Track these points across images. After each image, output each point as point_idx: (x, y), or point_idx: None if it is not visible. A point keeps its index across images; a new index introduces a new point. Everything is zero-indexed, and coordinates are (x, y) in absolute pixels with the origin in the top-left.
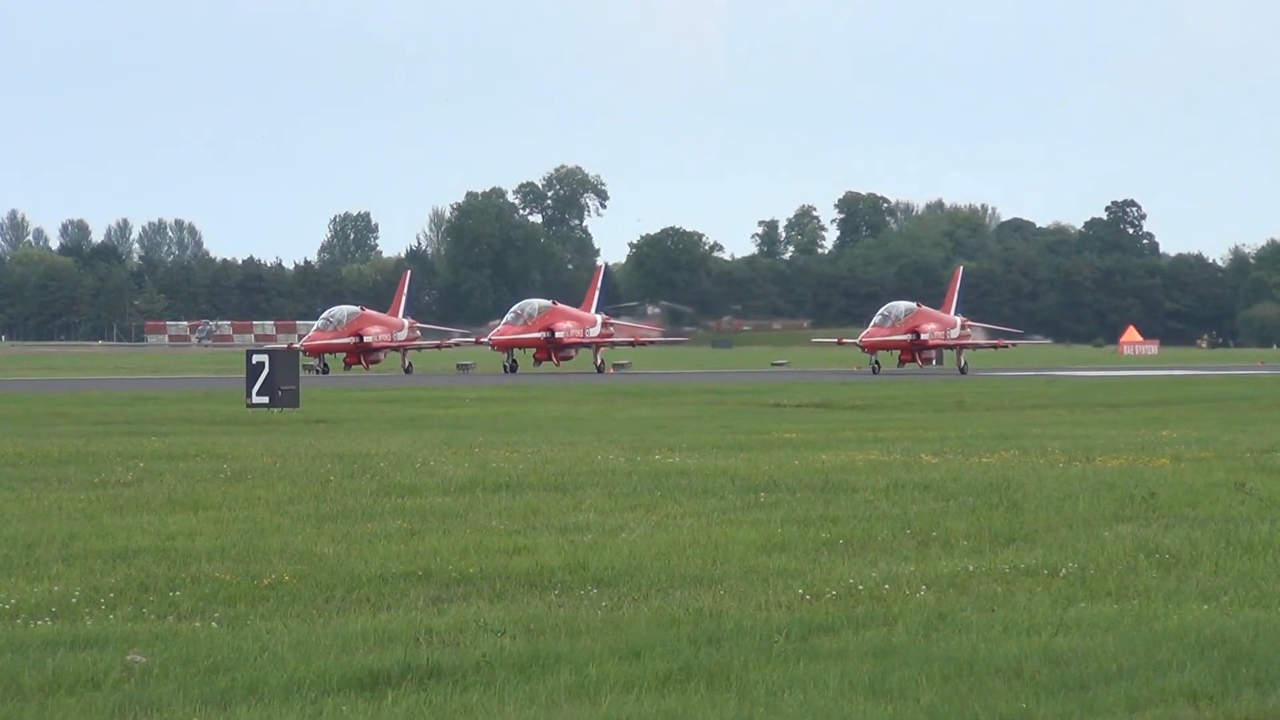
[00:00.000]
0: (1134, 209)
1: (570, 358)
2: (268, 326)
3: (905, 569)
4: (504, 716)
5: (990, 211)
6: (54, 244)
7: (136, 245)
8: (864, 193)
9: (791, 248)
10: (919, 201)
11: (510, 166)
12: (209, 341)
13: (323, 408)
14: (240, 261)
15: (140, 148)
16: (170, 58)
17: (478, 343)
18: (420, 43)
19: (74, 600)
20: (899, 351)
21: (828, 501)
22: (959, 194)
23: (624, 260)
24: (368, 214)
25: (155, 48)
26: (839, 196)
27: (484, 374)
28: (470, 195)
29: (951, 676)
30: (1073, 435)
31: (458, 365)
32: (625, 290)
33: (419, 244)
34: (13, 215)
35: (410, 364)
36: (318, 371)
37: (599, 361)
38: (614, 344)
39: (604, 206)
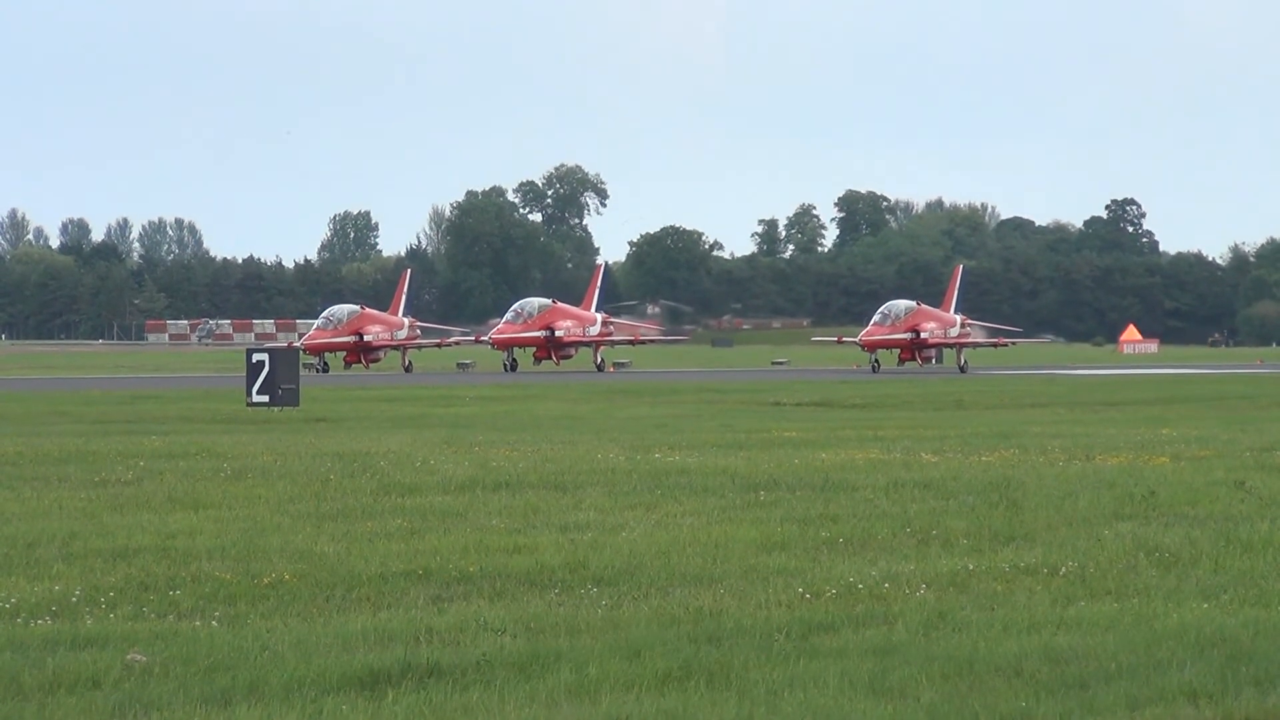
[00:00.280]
0: (1134, 207)
1: (570, 356)
2: (268, 325)
3: (905, 567)
4: (504, 715)
5: (990, 210)
6: (54, 243)
7: (137, 244)
8: (864, 191)
9: (791, 246)
10: (919, 200)
11: (510, 165)
12: (209, 340)
13: (323, 406)
14: (240, 260)
15: (140, 147)
16: (170, 57)
17: (478, 341)
18: (420, 43)
19: (74, 599)
20: (899, 350)
21: (828, 500)
22: (959, 192)
23: (624, 259)
24: (368, 213)
25: (155, 47)
26: (839, 195)
27: (484, 373)
28: (470, 194)
29: (951, 675)
30: (1072, 434)
31: (458, 364)
32: (625, 289)
33: (419, 243)
34: (13, 214)
35: (410, 363)
36: (318, 370)
37: (599, 360)
38: (614, 343)
39: (604, 205)
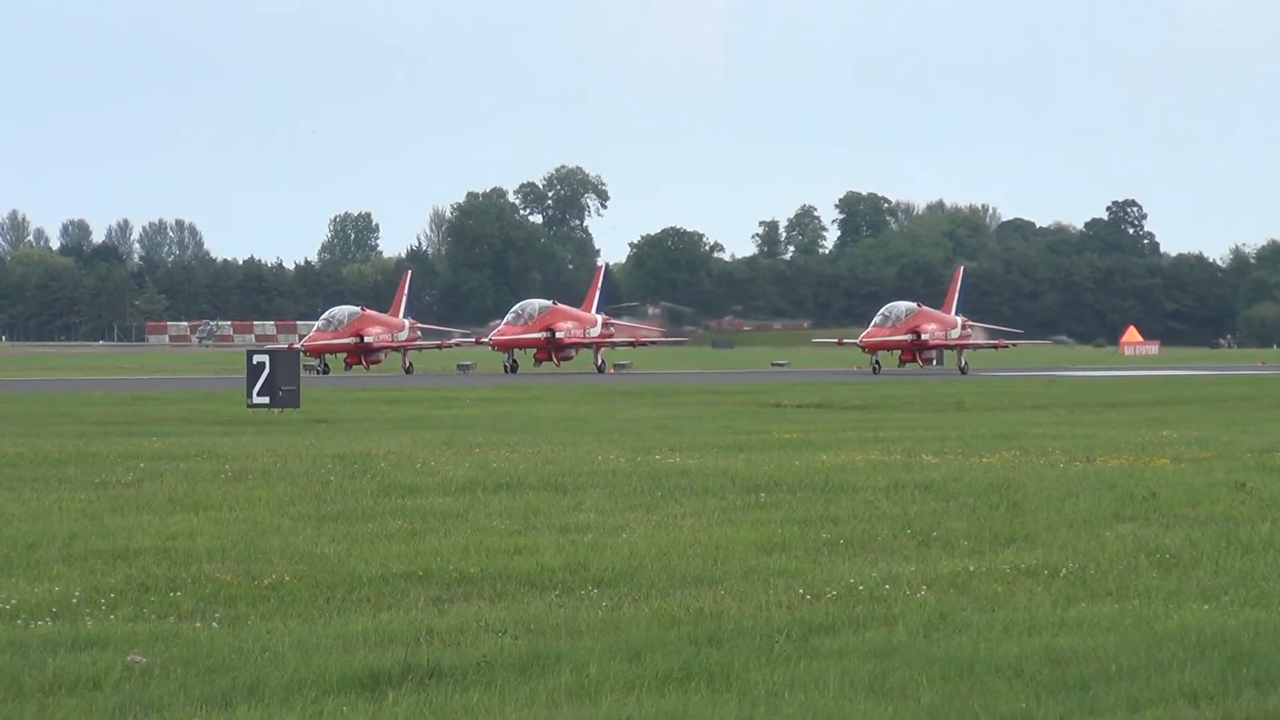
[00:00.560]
0: (1134, 209)
1: (571, 358)
2: (268, 327)
3: (906, 569)
4: (504, 716)
5: (991, 211)
6: (54, 244)
7: (137, 245)
8: (864, 193)
9: (792, 248)
10: (919, 201)
11: (511, 167)
12: (209, 342)
13: (323, 408)
14: (241, 262)
15: (141, 148)
16: (170, 58)
17: (478, 343)
18: (420, 43)
19: (74, 600)
20: (899, 352)
21: (828, 501)
22: (959, 194)
23: (624, 260)
24: (368, 214)
25: (155, 48)
26: (839, 196)
27: (484, 374)
28: (471, 195)
29: (952, 676)
30: (1073, 435)
31: (458, 365)
32: (626, 290)
33: (419, 244)
34: (13, 215)
35: (411, 364)
36: (318, 372)
37: (599, 362)
38: (614, 344)
39: (604, 207)
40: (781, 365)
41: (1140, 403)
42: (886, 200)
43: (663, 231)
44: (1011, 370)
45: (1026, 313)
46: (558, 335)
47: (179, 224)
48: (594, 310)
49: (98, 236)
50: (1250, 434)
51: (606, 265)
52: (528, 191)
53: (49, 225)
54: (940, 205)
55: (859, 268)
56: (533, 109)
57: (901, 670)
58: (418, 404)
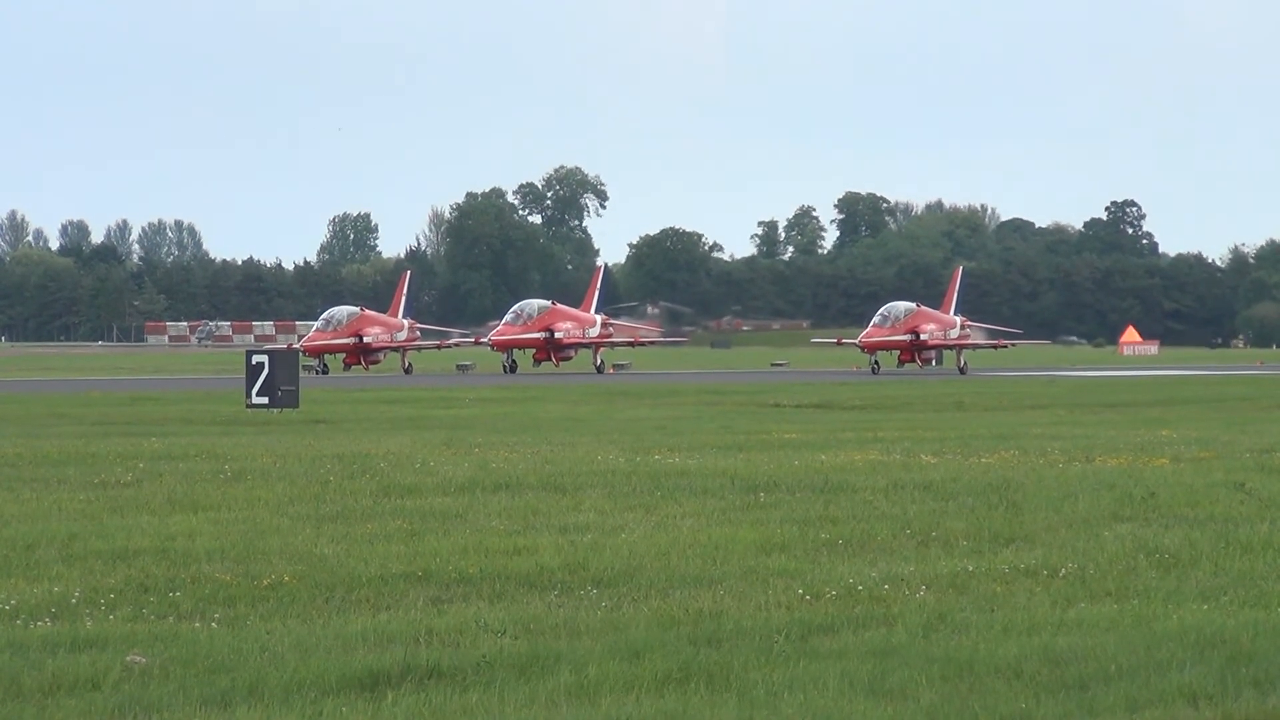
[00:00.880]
0: (1133, 209)
1: (570, 358)
2: (267, 327)
3: (905, 569)
4: (504, 717)
5: (989, 211)
6: (54, 245)
7: (136, 246)
8: (863, 193)
9: (791, 248)
10: (918, 201)
11: (510, 167)
12: (209, 342)
13: (322, 408)
14: (240, 262)
15: (140, 148)
16: (169, 59)
17: (477, 343)
18: (420, 43)
19: (74, 601)
20: (898, 352)
21: (827, 502)
22: (958, 194)
23: (623, 260)
24: (367, 214)
25: (155, 48)
26: (838, 197)
27: (484, 374)
28: (470, 196)
29: (951, 677)
30: (1072, 435)
31: (457, 366)
32: (625, 290)
33: (418, 244)
34: (12, 216)
35: (410, 364)
36: (317, 372)
37: (598, 362)
38: (613, 344)
39: (603, 207)
40: (780, 365)
41: (1139, 403)
42: (885, 200)
43: (662, 232)
44: (1010, 370)
45: (1026, 313)
46: (557, 335)
47: (178, 224)
48: (593, 310)
49: (97, 237)
50: (1249, 434)
51: (605, 265)
52: (527, 192)
53: (48, 226)
54: (939, 205)
55: (858, 268)
56: (531, 109)
57: (901, 670)
58: (417, 404)
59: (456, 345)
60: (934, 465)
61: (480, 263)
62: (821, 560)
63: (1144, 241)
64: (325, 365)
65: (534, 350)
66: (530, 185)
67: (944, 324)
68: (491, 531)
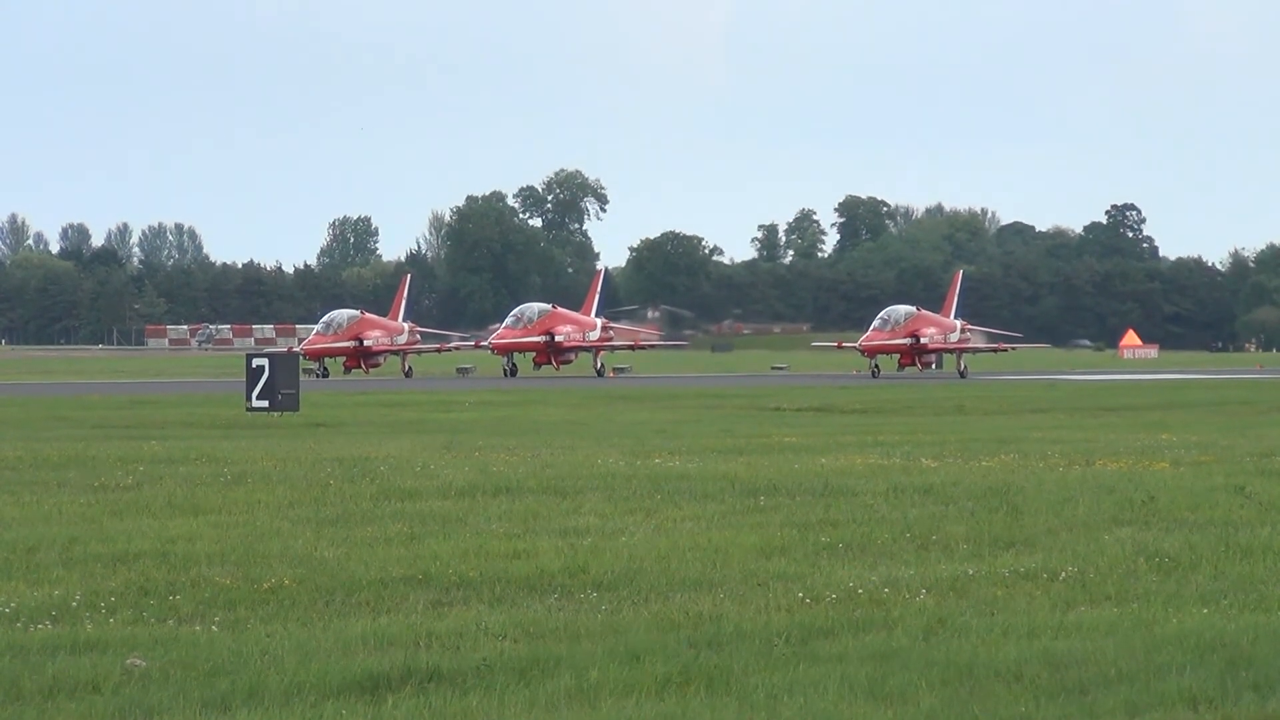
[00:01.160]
0: (1134, 213)
1: (570, 361)
2: (268, 330)
3: (905, 573)
4: None
5: (990, 215)
6: (54, 248)
7: (136, 249)
8: (864, 196)
9: (791, 251)
10: (919, 205)
11: (510, 170)
12: (209, 345)
13: (322, 411)
14: (240, 265)
15: (140, 152)
16: (170, 62)
17: (477, 346)
18: (420, 46)
19: (74, 604)
20: (899, 355)
21: (827, 505)
22: (959, 198)
23: (624, 264)
24: (368, 218)
25: (155, 52)
26: (839, 200)
27: (484, 378)
28: (470, 199)
29: (951, 680)
30: (1072, 439)
31: (457, 369)
32: (625, 294)
33: (419, 248)
34: (13, 219)
35: (410, 367)
36: (317, 375)
37: (599, 365)
38: (614, 348)
39: (604, 210)
40: (781, 369)
41: (1140, 406)
42: (886, 204)
43: (662, 235)
44: (1011, 374)
45: (1026, 316)
46: (557, 339)
47: (178, 228)
48: (593, 314)
49: (97, 240)
50: (1249, 438)
51: (606, 269)
52: (527, 195)
53: (48, 229)
54: (939, 209)
55: (858, 271)
56: (532, 113)
57: (901, 674)
58: (417, 407)
59: (456, 349)
60: (934, 469)
61: (480, 266)
62: (822, 564)
63: (1144, 245)
64: (325, 368)
65: (534, 354)
66: (530, 188)
67: (944, 328)
68: (492, 535)
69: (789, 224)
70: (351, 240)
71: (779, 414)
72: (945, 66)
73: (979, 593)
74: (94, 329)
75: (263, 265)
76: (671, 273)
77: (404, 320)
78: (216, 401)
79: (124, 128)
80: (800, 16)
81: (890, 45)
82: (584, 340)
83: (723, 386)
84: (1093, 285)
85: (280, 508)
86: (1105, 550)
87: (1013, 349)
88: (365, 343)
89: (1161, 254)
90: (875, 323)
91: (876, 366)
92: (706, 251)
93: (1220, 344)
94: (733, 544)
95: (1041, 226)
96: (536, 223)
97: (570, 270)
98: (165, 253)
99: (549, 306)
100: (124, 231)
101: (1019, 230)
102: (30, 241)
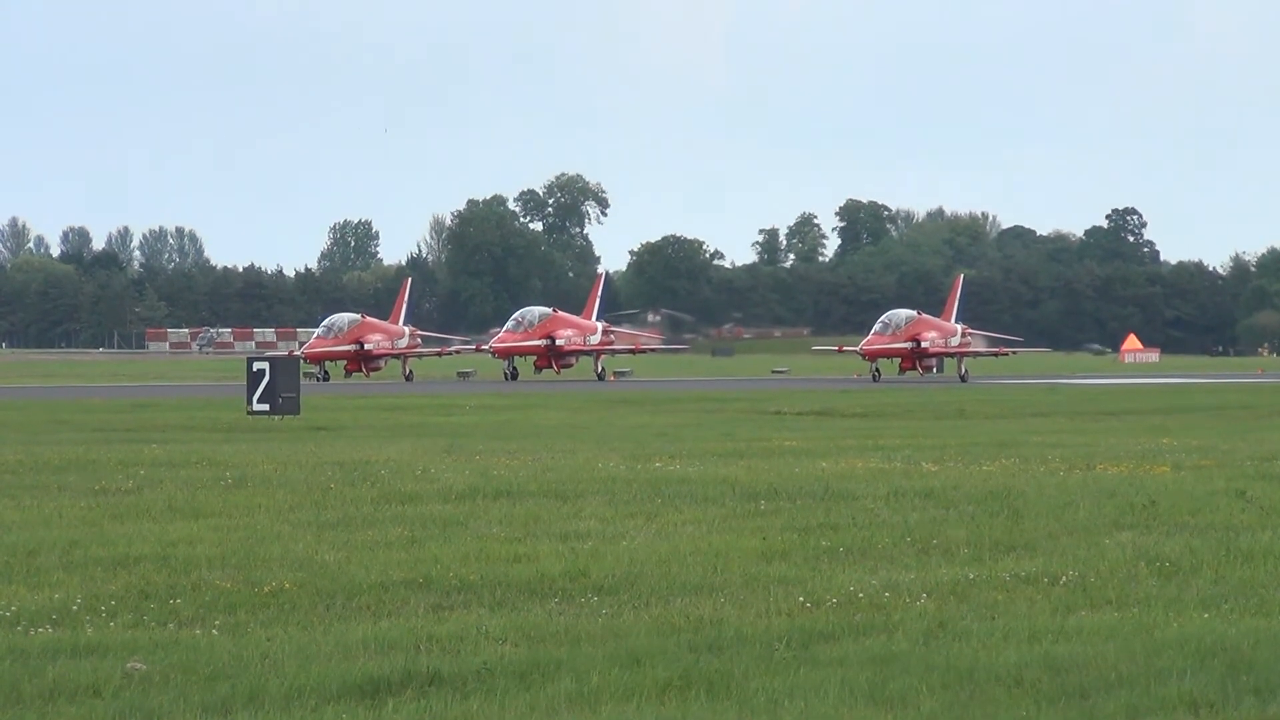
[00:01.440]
0: (1135, 217)
1: (571, 365)
2: (268, 334)
3: (906, 576)
4: None
5: (991, 219)
6: (55, 251)
7: (137, 252)
8: (864, 200)
9: (792, 255)
10: (919, 209)
11: (511, 174)
12: (210, 349)
13: (323, 415)
14: (241, 269)
15: (141, 155)
16: (171, 64)
17: (478, 350)
18: (421, 50)
19: (75, 608)
20: (899, 359)
21: (828, 509)
22: (959, 202)
23: (625, 268)
24: (368, 221)
25: (156, 54)
26: (840, 204)
27: (484, 381)
28: (471, 203)
29: (952, 684)
30: (1073, 443)
31: (458, 373)
32: (626, 298)
33: (420, 251)
34: (13, 223)
35: (411, 371)
36: (318, 379)
37: (599, 369)
38: (615, 352)
39: (605, 214)
40: (782, 373)
41: (1140, 410)
42: (886, 208)
43: (663, 239)
44: (1012, 378)
45: (1027, 321)
46: (558, 342)
47: (179, 231)
48: (594, 318)
49: (98, 244)
50: (1250, 442)
51: (606, 273)
52: (528, 199)
53: (49, 232)
54: (940, 213)
55: (859, 275)
56: (533, 116)
57: (901, 678)
58: (418, 411)
59: (457, 352)
60: (935, 473)
61: (481, 270)
62: (822, 568)
63: (1145, 249)
64: (326, 372)
65: (535, 357)
66: (531, 192)
67: (945, 332)
68: (492, 538)
69: (790, 228)
70: (352, 244)
71: (780, 418)
72: (946, 70)
73: (979, 597)
74: (95, 332)
75: (263, 269)
76: (672, 276)
77: (405, 324)
78: (217, 405)
79: (124, 131)
80: (801, 20)
81: (891, 49)
82: (585, 344)
83: (723, 390)
84: (1094, 289)
85: (281, 511)
86: (1106, 554)
87: (1013, 353)
88: (366, 346)
89: (1162, 258)
90: (876, 327)
91: (877, 370)
92: (707, 255)
93: (1220, 348)
94: (733, 548)
95: (1042, 230)
96: (537, 226)
97: (571, 274)
98: (166, 256)
99: (550, 310)
100: (125, 235)
101: (1020, 234)
102: (31, 245)
